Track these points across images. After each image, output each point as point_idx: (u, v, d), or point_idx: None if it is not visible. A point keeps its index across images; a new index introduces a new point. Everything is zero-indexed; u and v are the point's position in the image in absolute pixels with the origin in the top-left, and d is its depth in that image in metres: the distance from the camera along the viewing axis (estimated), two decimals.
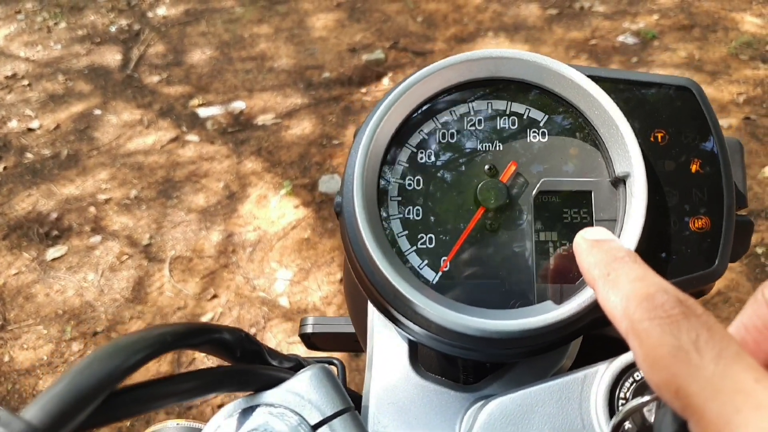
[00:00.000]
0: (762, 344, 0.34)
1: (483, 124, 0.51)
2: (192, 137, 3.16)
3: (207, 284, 2.52)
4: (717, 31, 3.57)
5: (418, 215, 0.50)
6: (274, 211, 2.78)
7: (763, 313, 0.33)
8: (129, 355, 0.36)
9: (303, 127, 3.17)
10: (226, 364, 0.46)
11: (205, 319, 2.38)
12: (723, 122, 2.95)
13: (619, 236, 0.47)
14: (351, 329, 0.91)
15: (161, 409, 0.38)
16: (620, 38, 3.58)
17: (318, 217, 2.73)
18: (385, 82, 3.38)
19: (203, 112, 3.30)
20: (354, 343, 0.93)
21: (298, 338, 0.98)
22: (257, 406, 0.45)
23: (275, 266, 2.58)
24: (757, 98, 3.10)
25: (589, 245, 0.38)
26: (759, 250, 2.41)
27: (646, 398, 0.38)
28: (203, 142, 3.13)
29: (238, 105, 3.32)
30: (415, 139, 0.51)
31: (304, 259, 2.60)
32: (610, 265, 0.35)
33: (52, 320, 2.43)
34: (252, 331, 2.35)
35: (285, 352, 0.54)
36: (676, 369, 0.27)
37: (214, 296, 2.48)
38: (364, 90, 3.36)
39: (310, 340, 0.96)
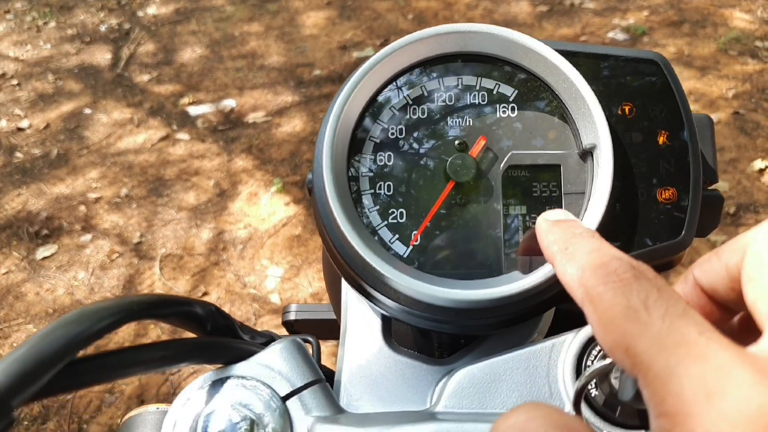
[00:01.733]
0: None
1: (453, 100, 0.52)
2: (182, 135, 3.16)
3: (197, 282, 2.52)
4: (706, 26, 3.59)
5: (388, 190, 0.50)
6: (264, 208, 2.78)
7: (690, 292, 0.35)
8: (93, 323, 0.36)
9: (294, 125, 3.17)
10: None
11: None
12: (712, 117, 2.96)
13: (586, 207, 0.48)
14: (334, 315, 0.91)
15: (127, 378, 0.38)
16: (610, 34, 3.60)
17: (309, 214, 2.73)
18: None
19: (194, 110, 3.30)
20: (338, 330, 0.93)
21: (288, 333, 0.99)
22: (228, 378, 0.46)
23: (266, 263, 2.58)
24: (746, 93, 3.12)
25: (550, 225, 0.39)
26: None
27: (608, 361, 0.38)
28: (194, 140, 3.13)
29: (229, 103, 3.32)
30: (385, 115, 0.52)
31: (294, 256, 2.60)
32: (568, 241, 0.36)
33: (42, 319, 2.42)
34: None
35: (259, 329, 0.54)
36: (626, 327, 0.28)
37: (205, 293, 2.47)
38: None
39: (293, 328, 0.96)
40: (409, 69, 0.52)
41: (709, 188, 0.56)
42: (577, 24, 3.67)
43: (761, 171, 2.71)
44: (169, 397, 2.17)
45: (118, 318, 0.37)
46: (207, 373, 0.46)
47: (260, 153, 3.03)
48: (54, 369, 0.33)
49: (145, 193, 2.89)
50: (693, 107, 3.02)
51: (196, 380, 0.46)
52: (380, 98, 0.52)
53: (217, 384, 0.45)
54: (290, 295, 2.46)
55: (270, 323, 2.35)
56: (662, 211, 0.48)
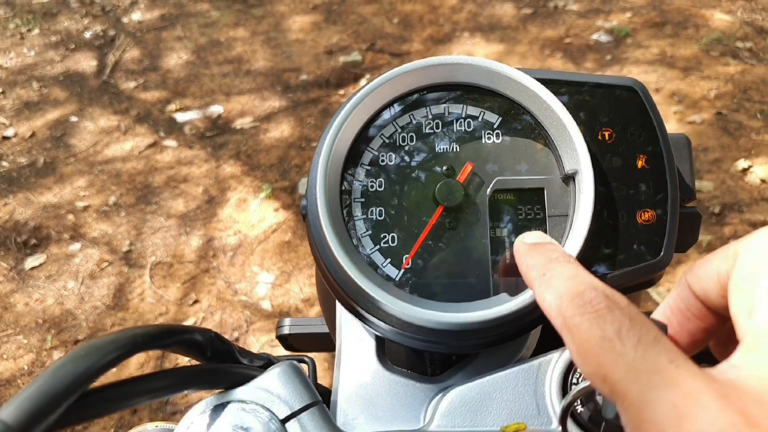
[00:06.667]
0: (685, 324, 0.37)
1: (440, 127, 0.54)
2: (170, 142, 3.15)
3: (188, 289, 2.52)
4: (688, 28, 3.64)
5: (380, 215, 0.52)
6: (254, 214, 2.79)
7: (685, 296, 0.37)
8: (101, 356, 0.38)
9: (281, 130, 3.18)
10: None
11: (187, 324, 2.38)
12: (695, 117, 3.01)
13: (569, 230, 0.50)
14: (327, 329, 0.92)
15: (135, 407, 0.40)
16: (594, 36, 3.63)
17: (298, 219, 2.74)
18: (363, 83, 3.40)
19: (181, 117, 3.30)
20: (331, 343, 0.95)
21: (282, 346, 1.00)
22: (228, 402, 0.47)
23: (256, 270, 2.59)
24: (728, 93, 3.16)
25: (528, 248, 0.41)
26: None
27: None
28: (181, 147, 3.13)
29: (216, 109, 3.32)
30: (376, 143, 0.54)
31: (285, 262, 2.61)
32: (546, 266, 0.38)
33: (32, 329, 2.41)
34: (234, 335, 2.36)
35: (256, 351, 0.56)
36: (602, 358, 0.30)
37: (196, 301, 2.48)
38: (341, 92, 3.37)
39: (287, 342, 0.97)
40: (397, 99, 0.54)
41: (687, 205, 0.58)
42: (561, 26, 3.71)
43: (745, 170, 2.75)
44: (159, 409, 2.17)
45: (124, 351, 0.39)
46: (209, 397, 0.48)
47: (248, 159, 3.04)
48: (66, 403, 0.35)
49: (133, 200, 2.89)
50: (676, 108, 3.06)
51: (199, 405, 0.48)
52: (370, 128, 0.54)
53: (218, 408, 0.47)
54: (281, 301, 2.47)
55: (262, 330, 2.36)
56: (642, 232, 0.51)
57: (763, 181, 2.70)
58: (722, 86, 3.19)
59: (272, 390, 0.47)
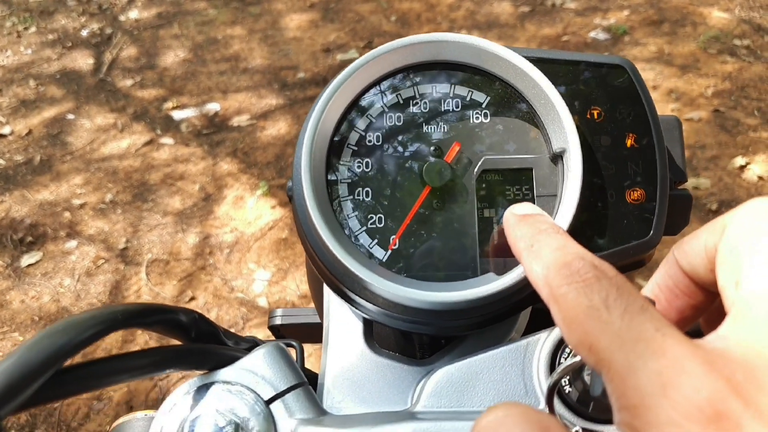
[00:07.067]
0: (673, 302, 0.36)
1: (428, 107, 0.53)
2: (167, 140, 3.15)
3: (185, 286, 2.52)
4: (686, 25, 3.63)
5: (367, 196, 0.52)
6: (250, 212, 2.78)
7: (674, 273, 0.36)
8: (79, 332, 0.37)
9: (278, 128, 3.17)
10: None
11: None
12: (693, 114, 3.00)
13: (557, 209, 0.49)
14: (319, 319, 0.92)
15: (114, 385, 0.39)
16: (592, 34, 3.63)
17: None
18: None
19: (177, 114, 3.29)
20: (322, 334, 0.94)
21: (274, 337, 1.00)
22: (213, 383, 0.47)
23: (253, 267, 2.58)
24: (726, 91, 3.16)
25: (517, 220, 0.40)
26: None
27: (578, 358, 0.39)
28: (178, 144, 3.12)
29: (213, 107, 3.31)
30: (362, 123, 0.53)
31: (282, 259, 2.60)
32: (534, 237, 0.37)
33: (28, 327, 2.40)
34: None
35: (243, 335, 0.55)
36: (588, 326, 0.29)
37: (192, 298, 2.47)
38: None
39: (279, 332, 0.97)
40: (383, 78, 0.53)
41: (679, 187, 0.57)
42: (559, 24, 3.70)
43: (742, 168, 2.75)
44: (158, 404, 2.16)
45: (103, 327, 0.38)
46: (192, 378, 0.47)
47: (245, 156, 3.03)
48: (41, 379, 0.34)
49: (130, 198, 2.88)
50: (674, 106, 3.06)
51: (182, 386, 0.47)
52: (356, 107, 0.53)
53: (202, 389, 0.46)
54: (278, 298, 2.46)
55: (258, 327, 2.35)
56: (631, 212, 0.50)
57: (760, 178, 2.69)
58: (720, 84, 3.19)
59: (257, 371, 0.47)
